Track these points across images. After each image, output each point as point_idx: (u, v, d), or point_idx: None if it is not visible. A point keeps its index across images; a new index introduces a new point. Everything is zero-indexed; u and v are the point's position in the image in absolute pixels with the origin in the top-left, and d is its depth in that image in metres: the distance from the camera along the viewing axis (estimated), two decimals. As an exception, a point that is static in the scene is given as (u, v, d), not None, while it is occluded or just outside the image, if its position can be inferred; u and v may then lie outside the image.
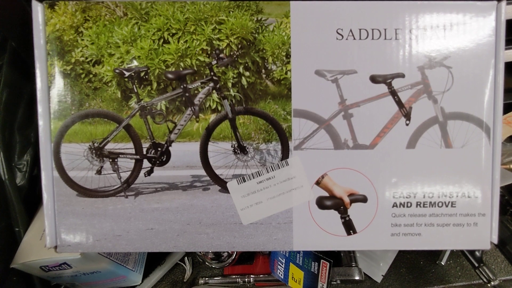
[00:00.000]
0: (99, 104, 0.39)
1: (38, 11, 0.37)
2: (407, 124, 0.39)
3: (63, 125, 0.38)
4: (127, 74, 0.38)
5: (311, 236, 0.40)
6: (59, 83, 0.38)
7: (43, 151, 0.38)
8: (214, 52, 0.39)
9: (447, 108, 0.39)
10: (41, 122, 0.38)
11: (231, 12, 0.38)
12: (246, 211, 0.39)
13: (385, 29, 0.38)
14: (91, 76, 0.38)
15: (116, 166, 0.40)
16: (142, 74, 0.39)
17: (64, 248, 0.39)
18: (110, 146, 0.40)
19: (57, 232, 0.39)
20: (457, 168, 0.39)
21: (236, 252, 0.56)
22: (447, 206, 0.39)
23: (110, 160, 0.40)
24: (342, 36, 0.38)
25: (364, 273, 0.57)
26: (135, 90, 0.39)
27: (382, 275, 0.59)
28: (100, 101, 0.39)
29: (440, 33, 0.38)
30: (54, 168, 0.39)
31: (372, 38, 0.38)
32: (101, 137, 0.39)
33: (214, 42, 0.39)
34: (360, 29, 0.38)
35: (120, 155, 0.40)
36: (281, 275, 0.52)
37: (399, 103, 0.39)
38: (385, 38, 0.38)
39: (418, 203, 0.39)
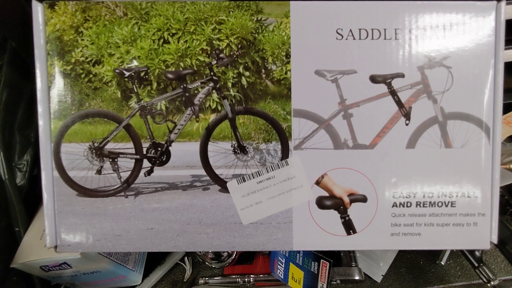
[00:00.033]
0: (99, 104, 0.39)
1: (38, 11, 0.37)
2: (406, 124, 0.39)
3: (63, 125, 0.38)
4: (127, 74, 0.38)
5: (311, 236, 0.40)
6: (59, 83, 0.38)
7: (43, 151, 0.38)
8: (214, 52, 0.39)
9: (447, 108, 0.39)
10: (41, 122, 0.38)
11: (231, 12, 0.38)
12: (246, 211, 0.40)
13: (384, 29, 0.38)
14: (91, 76, 0.38)
15: (116, 166, 0.40)
16: (142, 74, 0.39)
17: (64, 248, 0.39)
18: (110, 146, 0.40)
19: (57, 232, 0.39)
20: (457, 168, 0.39)
21: (236, 252, 0.56)
22: (447, 206, 0.39)
23: (110, 160, 0.40)
24: (342, 36, 0.38)
25: (364, 273, 0.57)
26: (135, 90, 0.39)
27: (382, 275, 0.59)
28: (100, 101, 0.39)
29: (440, 33, 0.38)
30: (54, 168, 0.39)
31: (372, 38, 0.38)
32: (101, 137, 0.39)
33: (214, 42, 0.39)
34: (360, 29, 0.38)
35: (120, 155, 0.40)
36: (281, 275, 0.52)
37: (398, 103, 0.39)
38: (385, 38, 0.38)
39: (418, 203, 0.39)
